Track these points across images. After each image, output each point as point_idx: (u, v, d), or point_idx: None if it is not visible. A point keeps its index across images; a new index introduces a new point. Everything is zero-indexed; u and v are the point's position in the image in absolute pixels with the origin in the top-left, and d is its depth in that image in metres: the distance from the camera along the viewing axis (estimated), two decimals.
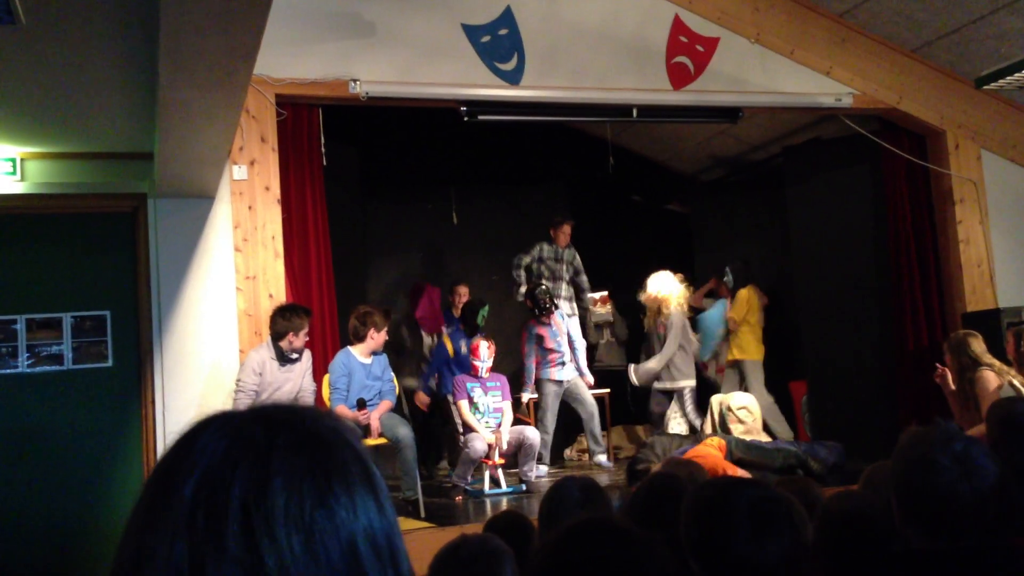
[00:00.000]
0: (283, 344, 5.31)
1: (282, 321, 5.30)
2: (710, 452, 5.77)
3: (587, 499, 2.36)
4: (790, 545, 1.67)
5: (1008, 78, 5.92)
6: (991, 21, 6.33)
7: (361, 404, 5.61)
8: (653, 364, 7.13)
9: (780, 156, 8.10)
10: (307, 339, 5.43)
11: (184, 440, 0.67)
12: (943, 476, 1.65)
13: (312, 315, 5.54)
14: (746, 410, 6.63)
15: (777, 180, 8.03)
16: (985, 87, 6.18)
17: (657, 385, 7.23)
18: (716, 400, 6.92)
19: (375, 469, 0.70)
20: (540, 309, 7.08)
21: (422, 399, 7.10)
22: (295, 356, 5.39)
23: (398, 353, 7.57)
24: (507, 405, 6.65)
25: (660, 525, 2.21)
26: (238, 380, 5.33)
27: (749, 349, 7.71)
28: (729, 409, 6.63)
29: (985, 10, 6.24)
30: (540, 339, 7.12)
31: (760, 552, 1.66)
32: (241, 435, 0.66)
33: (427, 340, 7.78)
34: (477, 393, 6.55)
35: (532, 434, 6.42)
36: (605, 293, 8.70)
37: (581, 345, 7.53)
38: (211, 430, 0.67)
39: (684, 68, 6.69)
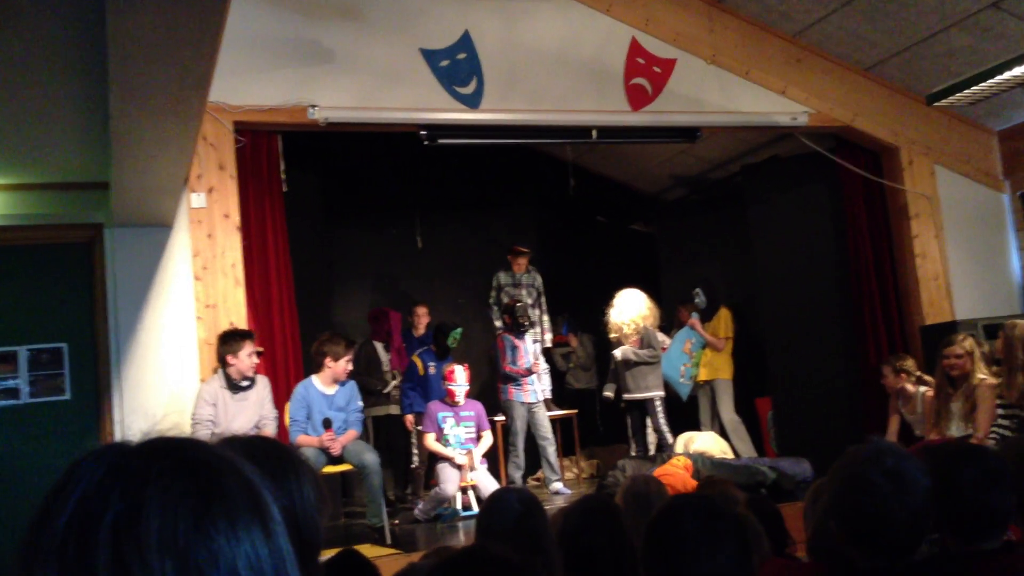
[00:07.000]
0: (230, 371, 5.25)
1: (221, 347, 5.28)
2: (676, 471, 5.78)
3: (526, 511, 2.34)
4: (737, 561, 1.66)
5: (959, 94, 6.03)
6: (941, 39, 6.47)
7: (327, 424, 5.55)
8: (640, 351, 7.09)
9: (740, 175, 8.19)
10: (253, 362, 5.31)
11: (64, 472, 0.66)
12: (876, 494, 1.65)
13: (253, 337, 5.43)
14: (708, 453, 6.67)
15: (738, 198, 8.12)
16: (936, 103, 6.29)
17: (626, 397, 7.24)
18: (682, 440, 6.98)
19: (266, 496, 0.68)
20: (518, 324, 7.24)
21: (411, 421, 7.17)
22: (246, 383, 5.31)
23: (368, 374, 7.52)
24: (486, 434, 6.62)
25: (590, 541, 2.25)
26: (192, 414, 5.25)
27: (721, 368, 7.75)
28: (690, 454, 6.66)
29: (935, 28, 6.38)
30: (515, 349, 7.15)
31: (707, 567, 1.65)
32: (118, 463, 0.65)
33: (384, 358, 7.71)
34: (449, 424, 6.47)
35: (486, 481, 6.36)
36: (570, 335, 8.80)
37: (544, 370, 7.67)
38: (90, 460, 0.66)
39: (642, 89, 6.76)
